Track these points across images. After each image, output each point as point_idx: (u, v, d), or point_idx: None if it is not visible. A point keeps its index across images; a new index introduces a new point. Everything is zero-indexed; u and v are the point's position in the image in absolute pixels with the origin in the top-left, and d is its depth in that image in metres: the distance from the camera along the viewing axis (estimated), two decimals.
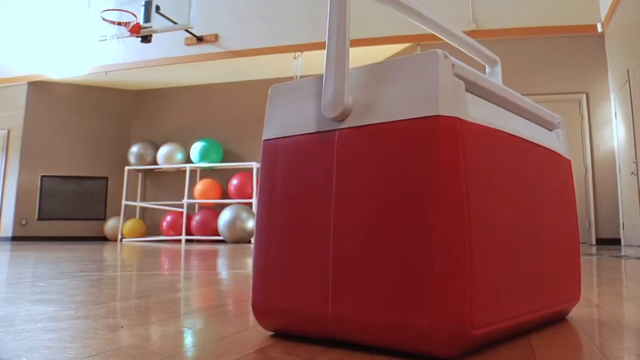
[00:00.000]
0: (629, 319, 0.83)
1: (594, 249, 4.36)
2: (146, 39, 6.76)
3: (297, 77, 7.46)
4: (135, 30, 6.52)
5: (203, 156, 7.84)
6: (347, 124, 0.65)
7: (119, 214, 8.21)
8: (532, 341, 0.66)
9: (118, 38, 6.52)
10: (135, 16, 6.61)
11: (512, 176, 0.69)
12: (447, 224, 0.56)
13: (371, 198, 0.61)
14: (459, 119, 0.59)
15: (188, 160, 8.15)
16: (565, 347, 0.63)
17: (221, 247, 5.12)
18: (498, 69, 0.96)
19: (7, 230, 8.10)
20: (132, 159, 8.37)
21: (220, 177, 8.19)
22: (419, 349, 0.56)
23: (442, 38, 0.86)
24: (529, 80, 6.33)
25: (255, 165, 7.47)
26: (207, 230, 7.44)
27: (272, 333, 0.71)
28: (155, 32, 6.59)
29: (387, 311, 0.58)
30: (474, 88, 0.65)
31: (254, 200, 7.37)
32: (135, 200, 8.49)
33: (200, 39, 7.46)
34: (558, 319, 0.82)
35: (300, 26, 7.11)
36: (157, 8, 6.77)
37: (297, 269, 0.66)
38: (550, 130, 0.88)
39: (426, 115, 0.59)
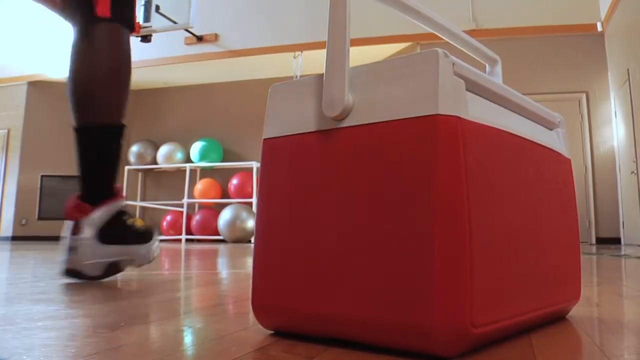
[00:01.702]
0: (629, 318, 0.83)
1: (594, 248, 4.36)
2: (146, 38, 6.75)
3: (297, 76, 7.46)
4: (135, 29, 6.50)
5: (203, 156, 7.84)
6: (347, 123, 0.65)
7: None
8: (532, 340, 0.66)
9: None
10: (135, 16, 6.58)
11: (513, 175, 0.69)
12: (447, 222, 0.56)
13: (371, 197, 0.61)
14: (459, 117, 0.59)
15: (188, 159, 8.15)
16: (566, 346, 0.64)
17: (221, 247, 5.12)
18: (498, 68, 0.96)
19: (7, 229, 8.11)
20: (132, 158, 8.37)
21: (220, 176, 8.19)
22: (418, 348, 0.56)
23: (442, 37, 0.86)
24: (529, 80, 6.33)
25: (255, 165, 7.47)
26: (207, 230, 7.44)
27: (272, 332, 0.71)
28: (155, 31, 6.58)
29: (387, 310, 0.58)
30: (474, 87, 0.65)
31: (254, 200, 7.37)
32: (135, 200, 8.49)
33: (200, 39, 7.45)
34: (558, 318, 0.82)
35: (300, 25, 7.11)
36: (157, 8, 6.77)
37: (297, 267, 0.66)
38: (551, 130, 0.88)
39: (426, 114, 0.59)
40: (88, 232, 1.27)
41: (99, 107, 1.29)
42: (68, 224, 1.29)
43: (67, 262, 1.28)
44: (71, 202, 1.30)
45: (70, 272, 1.29)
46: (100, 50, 1.31)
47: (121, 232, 1.33)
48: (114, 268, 1.35)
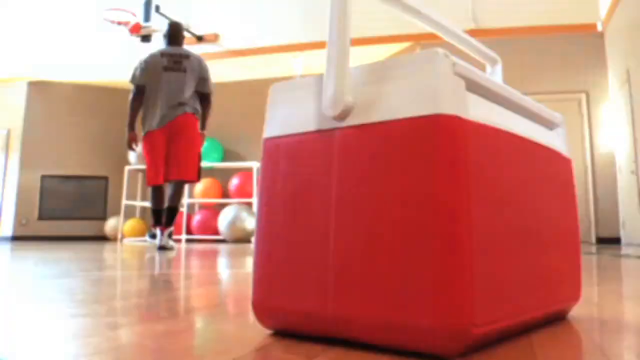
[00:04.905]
0: (629, 318, 0.83)
1: (594, 248, 4.36)
2: (146, 38, 6.76)
3: (297, 76, 7.45)
4: (135, 29, 6.51)
5: (203, 156, 7.83)
6: (347, 122, 0.65)
7: (119, 214, 8.20)
8: (532, 340, 0.66)
9: None
10: (135, 16, 6.60)
11: (513, 175, 0.69)
12: (448, 222, 0.56)
13: (372, 197, 0.61)
14: (459, 117, 0.59)
15: None
16: (566, 346, 0.64)
17: (221, 247, 5.12)
18: (498, 67, 0.96)
19: (7, 229, 8.10)
20: (132, 158, 8.36)
21: (221, 176, 8.18)
22: (419, 348, 0.56)
23: (442, 37, 0.86)
24: (529, 79, 6.32)
25: (255, 165, 7.47)
26: (208, 230, 7.44)
27: (272, 331, 0.71)
28: (155, 31, 6.58)
29: (388, 309, 0.58)
30: (474, 87, 0.65)
31: (254, 200, 7.36)
32: (135, 200, 8.48)
33: (200, 39, 7.44)
34: (558, 318, 0.82)
35: (300, 25, 7.10)
36: (157, 7, 6.77)
37: (298, 267, 0.66)
38: (551, 129, 0.88)
39: (427, 113, 0.59)
40: (168, 232, 3.71)
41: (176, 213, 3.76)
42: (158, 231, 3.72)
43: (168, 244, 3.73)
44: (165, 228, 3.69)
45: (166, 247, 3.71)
46: (182, 195, 3.76)
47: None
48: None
